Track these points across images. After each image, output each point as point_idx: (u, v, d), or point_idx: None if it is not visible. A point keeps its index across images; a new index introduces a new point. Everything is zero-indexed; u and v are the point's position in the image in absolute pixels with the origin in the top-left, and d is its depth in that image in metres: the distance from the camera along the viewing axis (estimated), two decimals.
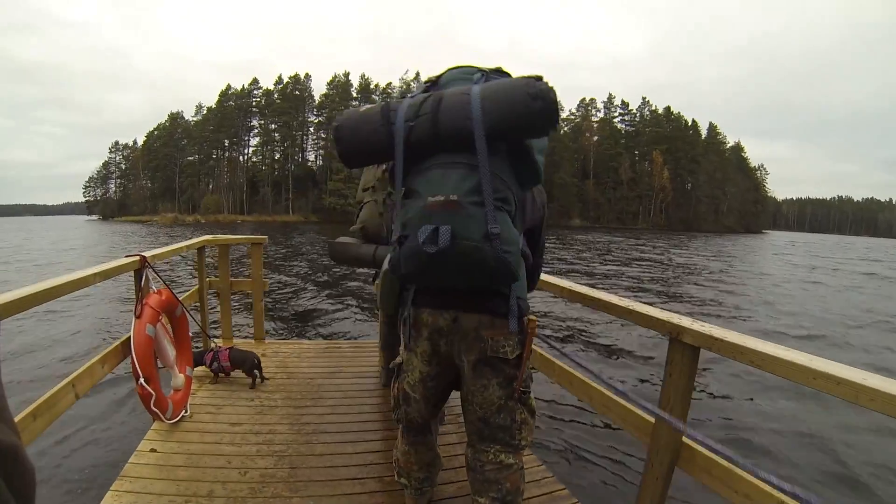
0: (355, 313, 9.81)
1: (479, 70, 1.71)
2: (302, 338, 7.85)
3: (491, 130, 1.51)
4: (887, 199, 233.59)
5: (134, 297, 2.92)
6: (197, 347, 3.64)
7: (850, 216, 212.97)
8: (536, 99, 1.46)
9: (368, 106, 1.77)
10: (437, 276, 1.61)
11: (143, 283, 2.94)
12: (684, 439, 1.86)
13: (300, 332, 8.40)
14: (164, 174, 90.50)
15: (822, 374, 1.35)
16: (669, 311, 2.09)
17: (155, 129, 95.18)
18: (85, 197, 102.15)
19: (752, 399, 5.66)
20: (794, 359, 1.44)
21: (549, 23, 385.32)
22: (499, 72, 1.72)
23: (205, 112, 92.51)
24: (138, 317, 2.77)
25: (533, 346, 1.73)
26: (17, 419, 1.75)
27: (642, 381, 6.08)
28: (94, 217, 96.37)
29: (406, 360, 1.86)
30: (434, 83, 1.77)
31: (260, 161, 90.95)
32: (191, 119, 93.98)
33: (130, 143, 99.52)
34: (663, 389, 1.90)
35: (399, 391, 1.92)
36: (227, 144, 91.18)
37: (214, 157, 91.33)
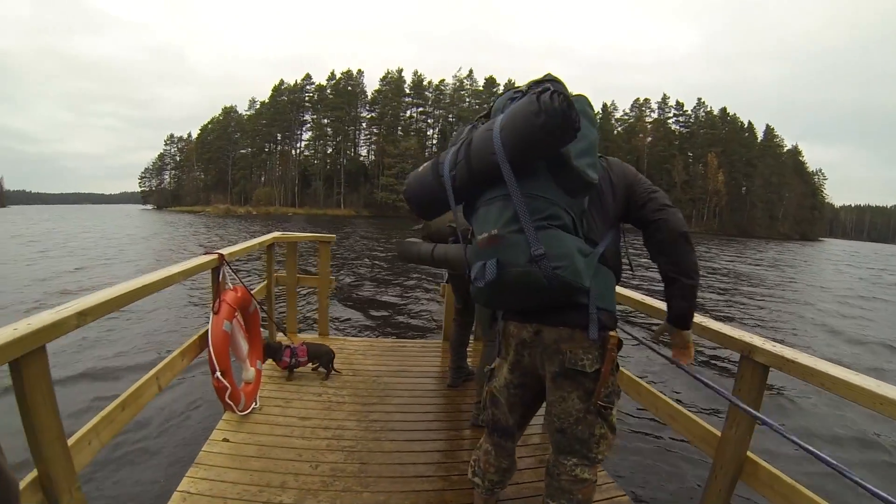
0: (414, 311, 9.94)
1: (519, 90, 1.74)
2: (361, 334, 7.97)
3: (514, 158, 1.57)
4: None
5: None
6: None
7: None
8: (539, 115, 1.48)
9: (425, 164, 1.91)
10: (507, 303, 1.74)
11: (220, 279, 3.09)
12: (749, 454, 1.90)
13: (358, 328, 8.51)
14: (217, 166, 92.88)
15: (889, 401, 1.38)
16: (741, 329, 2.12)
17: (209, 123, 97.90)
18: (140, 187, 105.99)
19: (815, 421, 5.52)
20: (863, 384, 1.48)
21: (602, 22, 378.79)
22: (539, 82, 1.69)
23: (258, 106, 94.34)
24: (216, 313, 2.93)
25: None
26: (107, 410, 1.92)
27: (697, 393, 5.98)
28: (149, 207, 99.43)
29: (497, 366, 1.96)
30: (486, 116, 1.84)
31: (312, 155, 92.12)
32: (244, 113, 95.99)
33: (185, 136, 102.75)
34: (731, 406, 1.93)
35: (488, 394, 2.00)
36: (279, 138, 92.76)
37: (267, 150, 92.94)
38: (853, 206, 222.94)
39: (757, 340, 1.89)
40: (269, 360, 3.72)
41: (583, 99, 1.65)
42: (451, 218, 3.07)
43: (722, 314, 11.51)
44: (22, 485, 1.47)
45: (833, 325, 11.29)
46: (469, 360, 3.99)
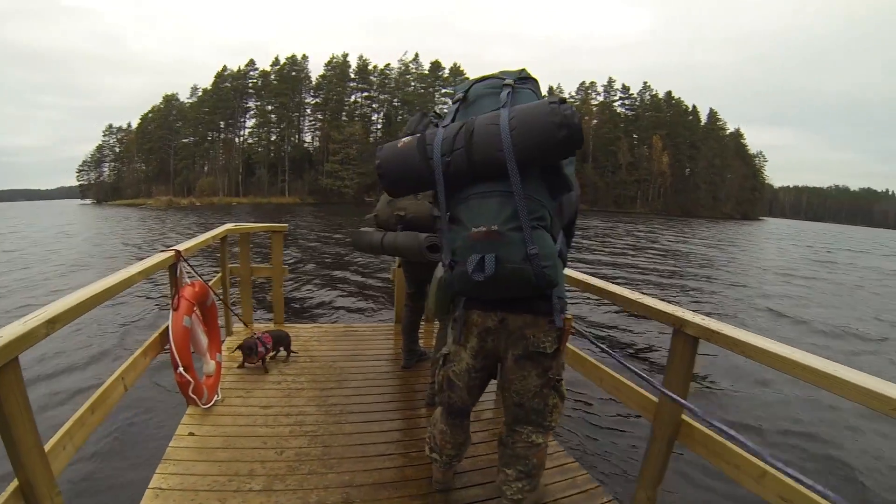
0: (361, 297, 10.03)
1: (504, 83, 1.81)
2: (311, 321, 7.97)
3: (522, 160, 1.64)
4: (884, 190, 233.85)
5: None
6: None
7: (846, 205, 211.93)
8: (562, 127, 1.56)
9: (405, 139, 1.90)
10: (486, 293, 1.79)
11: (178, 275, 3.08)
12: (684, 417, 2.06)
13: (309, 316, 8.57)
14: (159, 156, 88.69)
15: (799, 365, 1.53)
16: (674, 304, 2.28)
17: (149, 112, 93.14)
18: (78, 181, 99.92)
19: (746, 389, 5.85)
20: (779, 351, 1.63)
21: (551, 5, 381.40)
22: (524, 79, 1.84)
23: (200, 94, 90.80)
24: (175, 309, 2.93)
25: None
26: (78, 414, 1.94)
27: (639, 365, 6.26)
28: (88, 201, 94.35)
29: (454, 352, 2.02)
30: (463, 100, 1.90)
31: (256, 143, 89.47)
32: (186, 101, 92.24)
33: (125, 126, 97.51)
34: (666, 374, 2.10)
35: (444, 378, 2.09)
36: (222, 126, 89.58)
37: (209, 138, 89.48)
38: (791, 186, 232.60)
39: (688, 314, 2.04)
40: (231, 352, 3.76)
41: None
42: (400, 206, 3.09)
43: (669, 298, 11.51)
44: (4, 496, 1.50)
45: (773, 306, 11.53)
46: (420, 341, 4.11)
